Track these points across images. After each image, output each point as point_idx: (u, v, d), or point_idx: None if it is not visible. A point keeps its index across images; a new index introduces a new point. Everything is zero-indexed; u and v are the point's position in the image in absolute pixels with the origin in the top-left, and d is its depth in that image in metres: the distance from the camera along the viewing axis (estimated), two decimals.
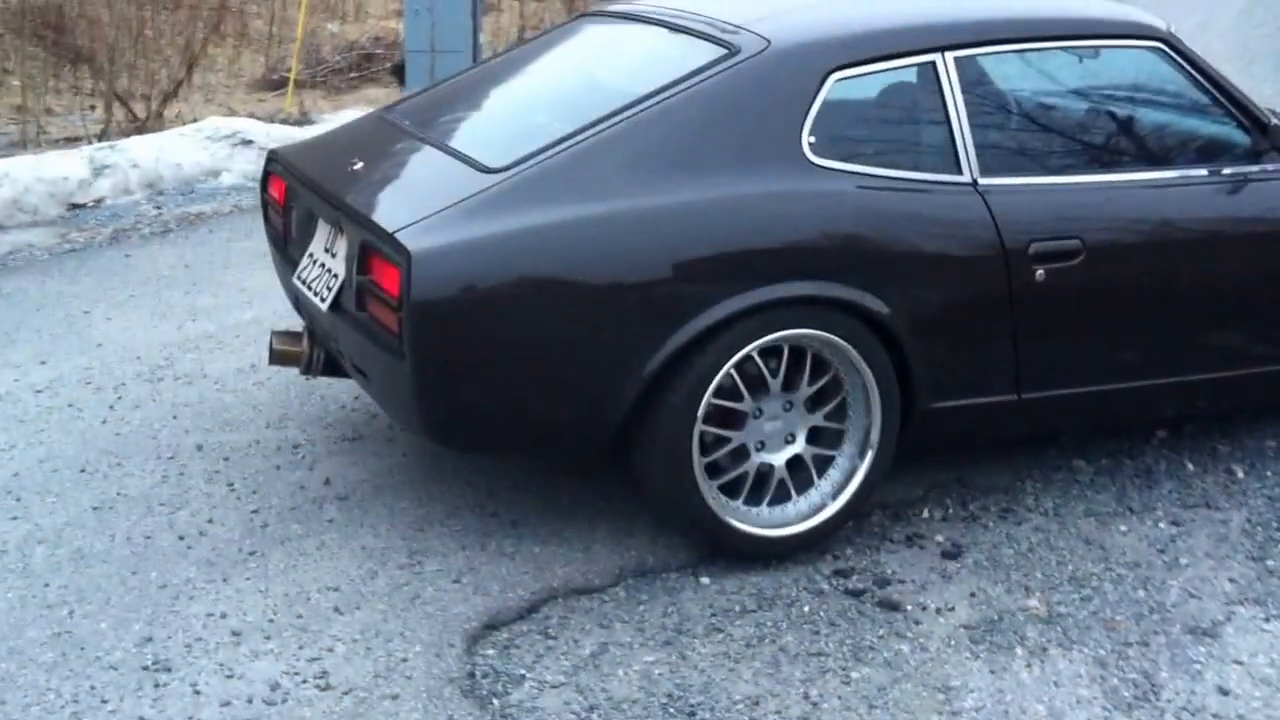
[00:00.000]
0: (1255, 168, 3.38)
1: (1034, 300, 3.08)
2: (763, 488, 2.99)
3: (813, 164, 2.95)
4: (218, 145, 6.97)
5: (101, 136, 7.71)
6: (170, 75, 9.05)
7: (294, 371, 3.59)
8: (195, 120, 7.73)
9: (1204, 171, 3.36)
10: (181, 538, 3.09)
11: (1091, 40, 3.45)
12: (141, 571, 2.94)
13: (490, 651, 2.68)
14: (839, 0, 3.53)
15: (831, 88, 3.02)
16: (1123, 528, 3.25)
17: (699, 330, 2.78)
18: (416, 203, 2.87)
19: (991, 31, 3.28)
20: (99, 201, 6.21)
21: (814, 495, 3.03)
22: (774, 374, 2.92)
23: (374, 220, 2.86)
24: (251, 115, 8.21)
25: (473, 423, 2.89)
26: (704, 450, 2.89)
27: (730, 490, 2.97)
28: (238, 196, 6.51)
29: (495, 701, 2.52)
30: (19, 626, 2.72)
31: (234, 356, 4.23)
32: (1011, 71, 3.44)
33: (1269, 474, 3.53)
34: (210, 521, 3.17)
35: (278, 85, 9.69)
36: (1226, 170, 3.36)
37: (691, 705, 2.52)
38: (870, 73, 3.13)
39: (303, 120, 8.39)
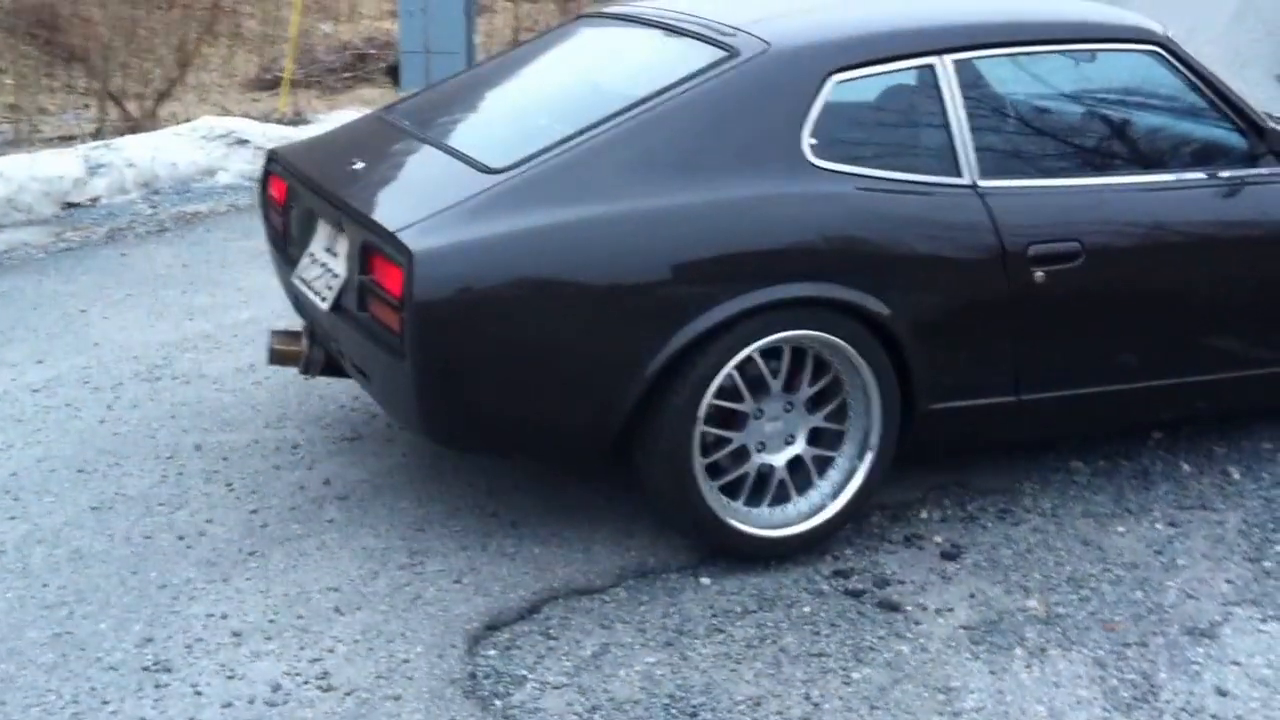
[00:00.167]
0: (1252, 171, 3.40)
1: (1033, 302, 3.10)
2: (763, 488, 3.00)
3: (813, 166, 2.96)
4: (213, 144, 6.96)
5: (96, 135, 7.69)
6: (164, 74, 9.03)
7: (293, 371, 3.59)
8: (189, 120, 7.72)
9: (1201, 175, 3.38)
10: (181, 538, 3.08)
11: (1090, 44, 3.47)
12: (141, 572, 2.93)
13: (492, 652, 2.68)
14: (838, 3, 3.55)
15: (831, 90, 3.03)
16: (1120, 529, 3.26)
17: (700, 331, 2.79)
18: (418, 203, 2.88)
19: (990, 35, 3.29)
20: (94, 200, 6.20)
21: (814, 496, 3.04)
22: (775, 375, 2.93)
23: (376, 220, 2.86)
24: (246, 115, 8.20)
25: (474, 423, 2.89)
26: (705, 451, 2.89)
27: (731, 491, 2.97)
28: (234, 196, 6.50)
29: (497, 702, 2.52)
30: (18, 627, 2.72)
31: (232, 356, 4.23)
32: (1010, 75, 3.46)
33: (1265, 475, 3.55)
34: (210, 521, 3.16)
35: (271, 85, 9.67)
36: (1224, 174, 3.38)
37: (693, 706, 2.52)
38: (870, 75, 3.14)
39: (298, 120, 8.38)
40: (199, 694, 2.51)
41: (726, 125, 2.97)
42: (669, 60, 3.21)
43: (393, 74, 10.04)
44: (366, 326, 2.91)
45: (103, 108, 8.27)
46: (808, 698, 2.56)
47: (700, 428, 2.86)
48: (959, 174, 3.10)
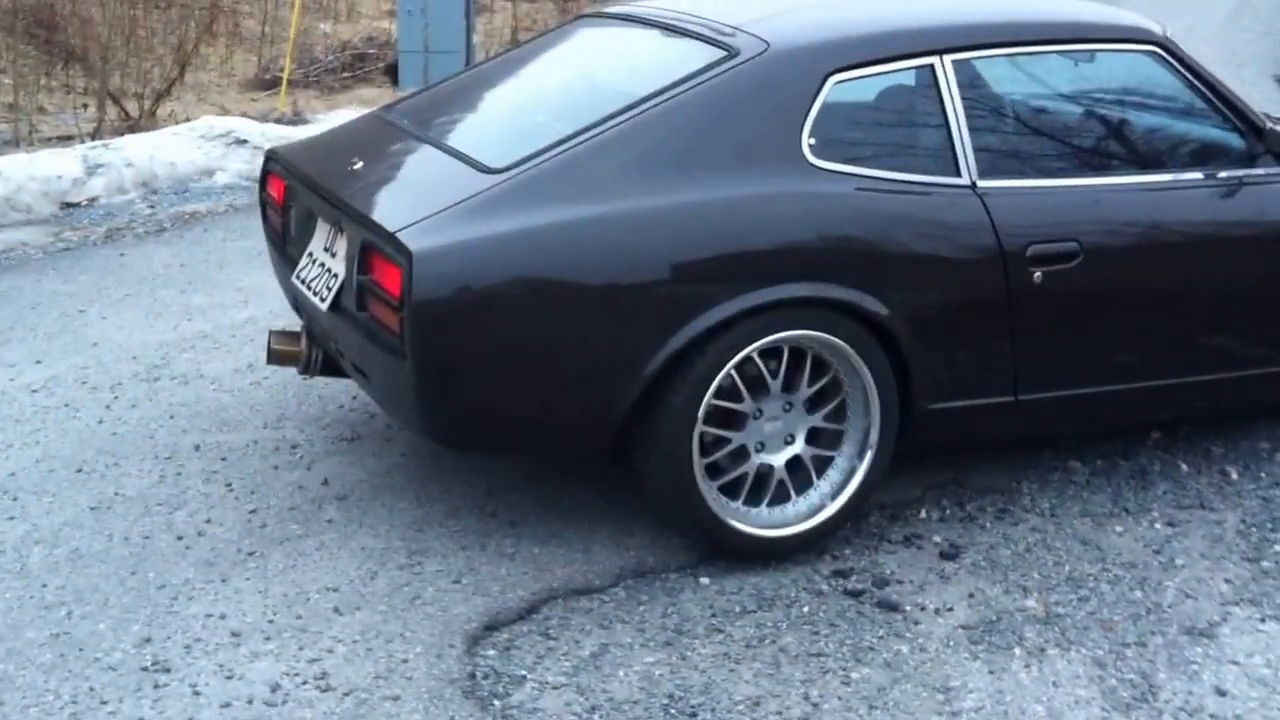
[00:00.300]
0: (1250, 171, 3.40)
1: (1032, 302, 3.10)
2: (762, 488, 3.00)
3: (813, 166, 2.96)
4: (212, 144, 6.96)
5: (94, 135, 7.69)
6: (163, 74, 9.03)
7: (291, 371, 3.58)
8: (188, 119, 7.72)
9: (1200, 175, 3.38)
10: (180, 538, 3.08)
11: (1088, 44, 3.47)
12: (140, 572, 2.93)
13: (491, 652, 2.68)
14: (837, 3, 3.55)
15: (831, 90, 3.03)
16: (1119, 528, 3.26)
17: (700, 331, 2.79)
18: (418, 203, 2.88)
19: (989, 35, 3.30)
20: (93, 200, 6.20)
21: (813, 496, 3.04)
22: (774, 375, 2.93)
23: (375, 220, 2.86)
24: (244, 114, 8.20)
25: (473, 423, 2.89)
26: (704, 451, 2.90)
27: (730, 491, 2.97)
28: (232, 196, 6.50)
29: (496, 703, 2.52)
30: (17, 627, 2.71)
31: (231, 356, 4.22)
32: (1009, 75, 3.46)
33: (1263, 475, 3.55)
34: (209, 522, 3.16)
35: (270, 85, 9.68)
36: (1222, 174, 3.38)
37: (692, 706, 2.52)
38: (869, 75, 3.14)
39: (296, 119, 8.38)
40: (198, 694, 2.51)
41: (726, 125, 2.97)
42: (668, 60, 3.21)
43: (391, 74, 10.05)
44: (365, 326, 2.91)
45: (101, 107, 8.28)
46: (807, 698, 2.56)
47: (699, 427, 2.86)
48: (958, 174, 3.10)
